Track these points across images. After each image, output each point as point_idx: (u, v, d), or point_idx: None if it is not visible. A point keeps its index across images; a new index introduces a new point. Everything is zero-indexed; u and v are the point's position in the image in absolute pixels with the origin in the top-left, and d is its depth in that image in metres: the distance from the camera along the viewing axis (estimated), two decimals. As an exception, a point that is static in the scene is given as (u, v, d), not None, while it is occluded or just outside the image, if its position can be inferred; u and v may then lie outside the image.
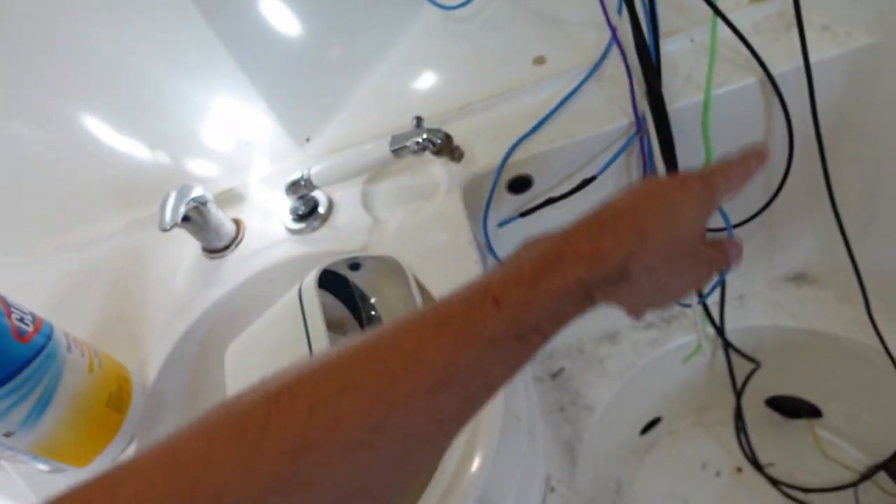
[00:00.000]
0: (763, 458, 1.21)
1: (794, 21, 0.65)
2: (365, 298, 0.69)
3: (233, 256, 0.74)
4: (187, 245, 0.76)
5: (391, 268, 0.66)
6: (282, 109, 0.75)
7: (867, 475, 1.14)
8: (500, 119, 0.75)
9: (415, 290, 0.64)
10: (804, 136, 0.73)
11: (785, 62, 0.69)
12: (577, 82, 0.75)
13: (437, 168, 0.74)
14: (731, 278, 0.97)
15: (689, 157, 0.74)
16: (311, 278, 0.61)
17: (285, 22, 0.74)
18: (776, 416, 1.27)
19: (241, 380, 0.63)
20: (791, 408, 1.25)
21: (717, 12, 0.66)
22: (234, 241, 0.75)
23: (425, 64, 0.84)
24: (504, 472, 0.59)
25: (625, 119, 0.71)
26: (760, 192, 0.81)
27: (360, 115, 0.79)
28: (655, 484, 1.25)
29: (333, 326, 0.69)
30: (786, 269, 1.03)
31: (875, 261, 0.89)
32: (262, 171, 0.79)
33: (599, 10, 0.67)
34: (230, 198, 0.80)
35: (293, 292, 0.62)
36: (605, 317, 1.05)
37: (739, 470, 1.24)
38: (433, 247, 0.68)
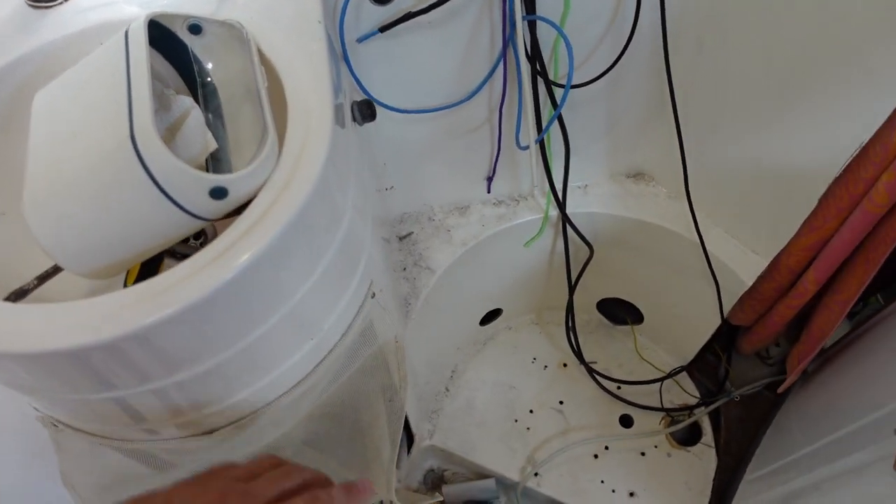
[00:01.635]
0: (588, 356, 1.30)
1: None
2: (200, 63, 0.66)
3: (62, 9, 0.68)
4: (8, -9, 0.68)
5: (234, 36, 0.64)
6: None
7: (671, 374, 1.27)
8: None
9: (256, 60, 0.62)
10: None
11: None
12: None
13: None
14: (578, 169, 1.03)
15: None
16: (140, 21, 0.58)
17: None
18: (605, 321, 1.38)
19: (48, 124, 0.58)
20: (618, 314, 1.35)
21: None
22: (65, -6, 0.69)
23: None
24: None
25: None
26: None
27: None
28: (487, 372, 1.31)
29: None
30: (628, 166, 1.11)
31: (707, 168, 0.98)
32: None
33: None
34: (66, -49, 0.72)
35: (118, 35, 0.58)
36: (458, 188, 1.08)
37: (565, 365, 1.33)
38: (283, 22, 0.66)
